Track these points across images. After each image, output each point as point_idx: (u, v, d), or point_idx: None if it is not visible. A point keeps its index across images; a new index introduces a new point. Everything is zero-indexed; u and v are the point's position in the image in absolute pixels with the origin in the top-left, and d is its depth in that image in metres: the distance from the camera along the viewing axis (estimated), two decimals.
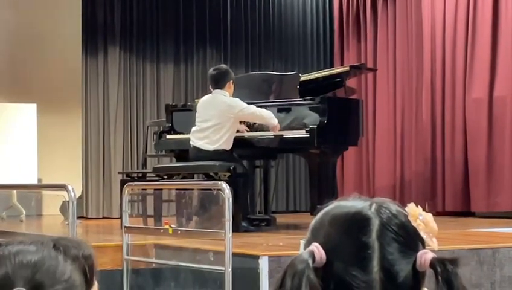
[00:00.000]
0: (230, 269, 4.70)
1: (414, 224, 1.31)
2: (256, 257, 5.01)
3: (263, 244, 5.77)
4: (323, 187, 7.28)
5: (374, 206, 1.31)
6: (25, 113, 9.40)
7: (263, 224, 7.40)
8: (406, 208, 1.34)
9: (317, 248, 1.28)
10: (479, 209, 8.71)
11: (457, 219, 8.37)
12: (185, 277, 5.59)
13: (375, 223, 1.29)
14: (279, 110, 7.21)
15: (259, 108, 6.95)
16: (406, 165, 9.74)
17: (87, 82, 10.06)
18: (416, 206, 1.34)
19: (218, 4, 10.63)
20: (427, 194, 9.27)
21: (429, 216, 1.33)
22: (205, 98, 7.15)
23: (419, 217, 1.32)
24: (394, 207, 1.33)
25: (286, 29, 11.03)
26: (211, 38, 10.55)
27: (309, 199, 8.27)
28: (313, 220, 1.35)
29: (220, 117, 6.86)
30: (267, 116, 6.95)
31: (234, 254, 4.78)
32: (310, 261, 1.26)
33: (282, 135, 7.05)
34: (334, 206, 1.34)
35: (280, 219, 8.06)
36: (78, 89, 10.07)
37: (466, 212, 8.80)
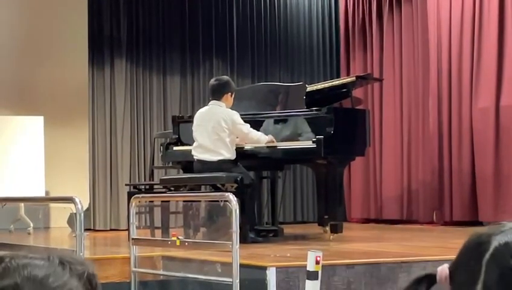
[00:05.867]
0: (237, 281, 4.70)
1: None
2: (263, 268, 5.01)
3: (271, 255, 5.77)
4: (331, 197, 7.27)
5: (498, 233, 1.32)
6: (32, 126, 9.41)
7: (271, 235, 7.40)
8: None
9: (442, 269, 1.35)
10: (487, 218, 8.68)
11: (465, 228, 8.33)
12: (193, 288, 5.58)
13: (491, 248, 1.30)
14: (286, 121, 7.22)
15: (253, 130, 6.96)
16: (413, 174, 9.72)
17: (94, 94, 10.08)
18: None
19: (224, 15, 10.65)
20: (434, 204, 9.25)
21: None
22: (202, 110, 7.18)
23: None
24: None
25: (292, 40, 11.04)
26: (217, 50, 10.57)
27: (317, 209, 8.25)
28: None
29: (217, 128, 6.88)
30: (257, 139, 6.98)
31: (242, 265, 4.77)
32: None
33: (289, 146, 7.05)
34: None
35: (288, 229, 8.05)
36: (84, 102, 10.09)
37: (474, 221, 8.76)
